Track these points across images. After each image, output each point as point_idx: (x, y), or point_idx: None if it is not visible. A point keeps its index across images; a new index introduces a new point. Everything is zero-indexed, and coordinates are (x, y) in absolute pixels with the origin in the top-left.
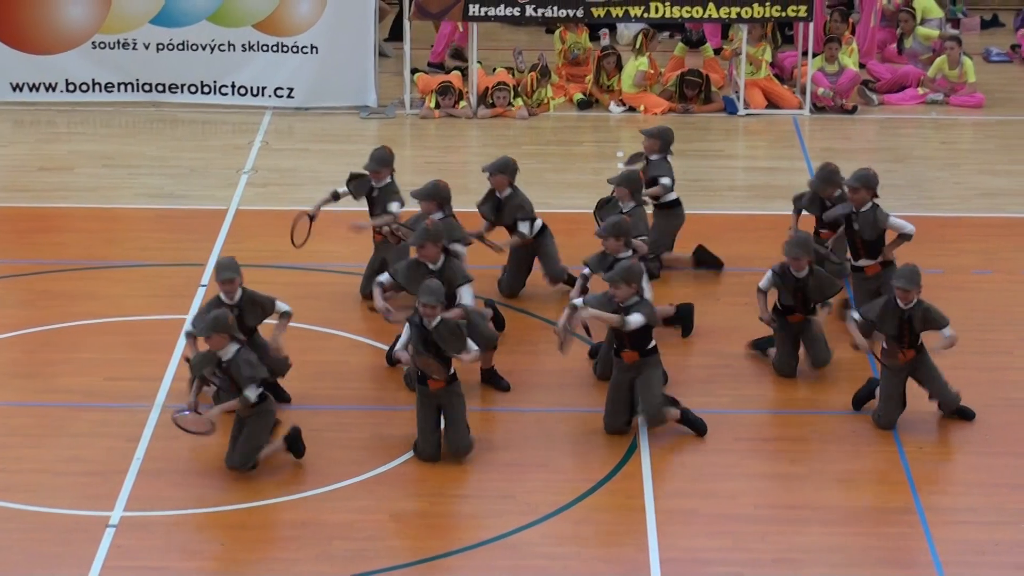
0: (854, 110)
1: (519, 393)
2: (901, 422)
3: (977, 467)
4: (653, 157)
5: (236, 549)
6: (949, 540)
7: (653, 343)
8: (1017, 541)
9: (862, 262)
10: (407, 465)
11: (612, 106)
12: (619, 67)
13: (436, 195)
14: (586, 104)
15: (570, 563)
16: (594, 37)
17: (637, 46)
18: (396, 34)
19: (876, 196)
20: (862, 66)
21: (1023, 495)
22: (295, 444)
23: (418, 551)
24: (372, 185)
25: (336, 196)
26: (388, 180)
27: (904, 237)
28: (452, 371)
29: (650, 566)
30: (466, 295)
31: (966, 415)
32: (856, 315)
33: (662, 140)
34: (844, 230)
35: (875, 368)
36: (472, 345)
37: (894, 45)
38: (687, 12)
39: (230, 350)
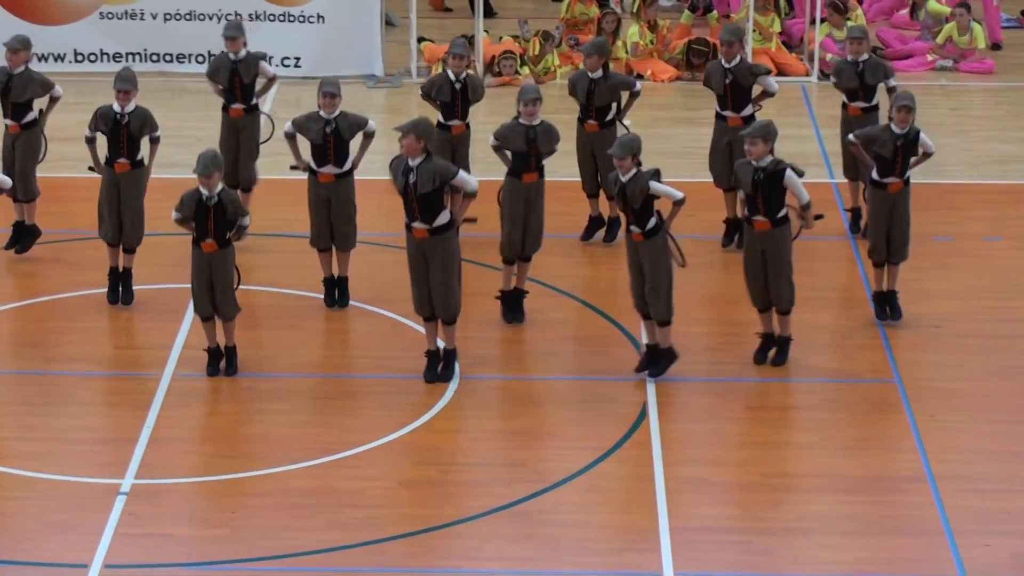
0: None
1: (528, 361)
2: (910, 390)
3: (988, 435)
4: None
5: (246, 517)
6: (960, 508)
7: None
8: None
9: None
10: (416, 433)
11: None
12: (617, 33)
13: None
14: None
15: (580, 531)
16: (603, 5)
17: (635, 10)
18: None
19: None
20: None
21: None
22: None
23: (428, 519)
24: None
25: None
26: None
27: (927, 156)
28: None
29: (660, 535)
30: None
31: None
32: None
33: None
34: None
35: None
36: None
37: (903, 11)
38: None
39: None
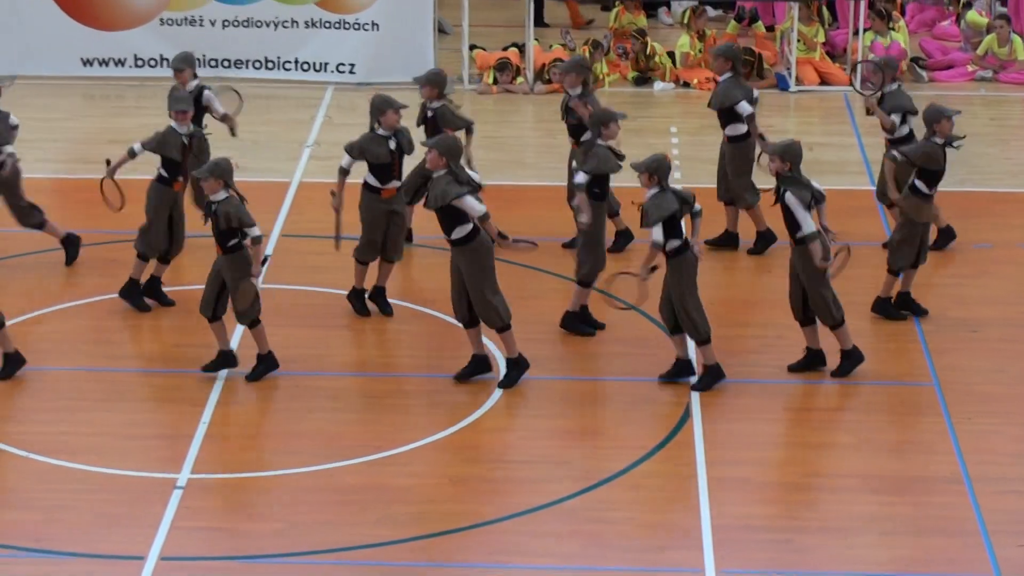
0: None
1: (576, 362)
2: (948, 393)
3: None
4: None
5: (299, 512)
6: (996, 510)
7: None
8: None
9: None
10: (465, 432)
11: (657, 83)
12: (646, 54)
13: (435, 80)
14: (641, 80)
15: (624, 528)
16: (651, 15)
17: (684, 21)
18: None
19: None
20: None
21: None
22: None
23: (476, 515)
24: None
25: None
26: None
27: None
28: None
29: (702, 532)
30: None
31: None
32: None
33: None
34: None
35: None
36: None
37: (945, 23)
38: None
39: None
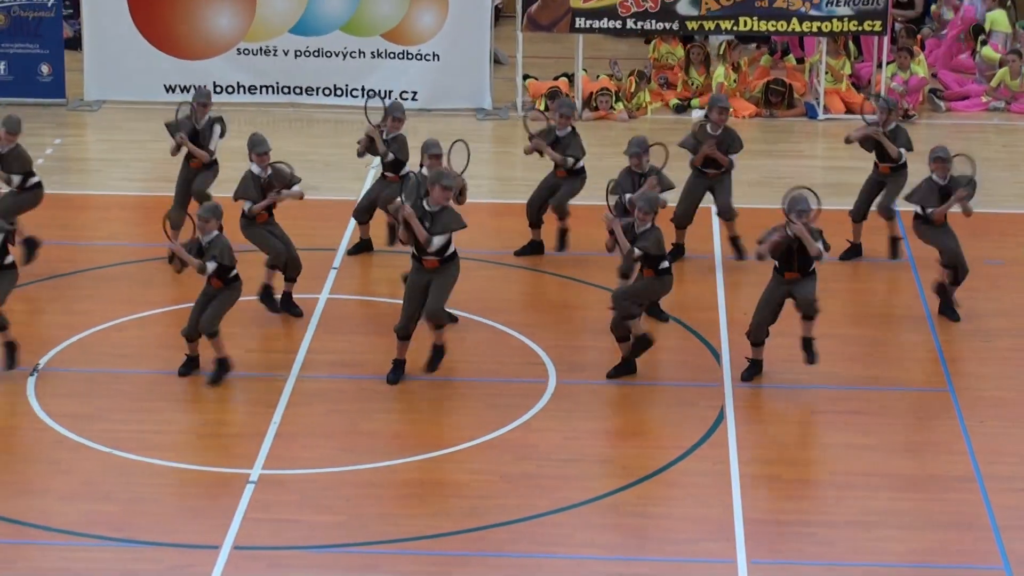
0: (911, 117)
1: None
2: (962, 398)
3: None
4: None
5: (362, 505)
6: (1006, 507)
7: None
8: None
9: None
10: (517, 431)
11: (696, 111)
12: (706, 63)
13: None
14: (681, 108)
15: (663, 522)
16: (688, 44)
17: (720, 52)
18: None
19: None
20: (933, 75)
21: None
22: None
23: (525, 509)
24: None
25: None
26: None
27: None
28: (448, 252)
29: (735, 526)
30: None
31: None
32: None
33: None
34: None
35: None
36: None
37: (962, 56)
38: (772, 26)
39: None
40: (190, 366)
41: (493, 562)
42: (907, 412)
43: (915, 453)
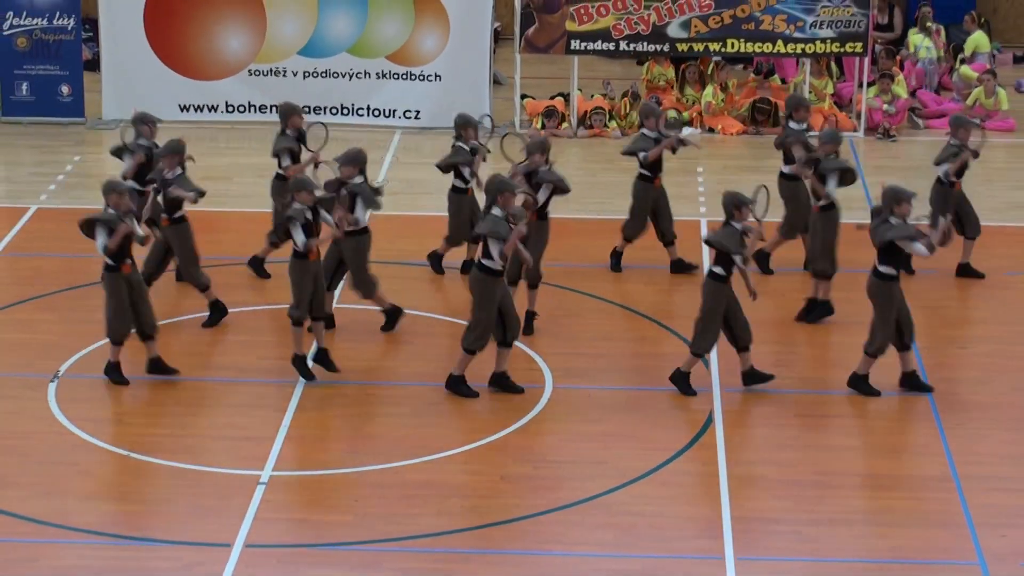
0: (893, 137)
1: (612, 373)
2: (939, 402)
3: (1009, 442)
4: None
5: (368, 505)
6: (982, 505)
7: None
8: None
9: None
10: (515, 434)
11: (686, 129)
12: (701, 81)
13: (356, 161)
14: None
15: (655, 520)
16: (679, 70)
17: (709, 72)
18: None
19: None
20: (912, 94)
21: None
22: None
23: (525, 508)
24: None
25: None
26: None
27: None
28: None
29: (723, 524)
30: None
31: None
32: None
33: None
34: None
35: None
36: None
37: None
38: (759, 47)
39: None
40: (157, 367)
41: (493, 559)
42: (888, 415)
43: (895, 454)
